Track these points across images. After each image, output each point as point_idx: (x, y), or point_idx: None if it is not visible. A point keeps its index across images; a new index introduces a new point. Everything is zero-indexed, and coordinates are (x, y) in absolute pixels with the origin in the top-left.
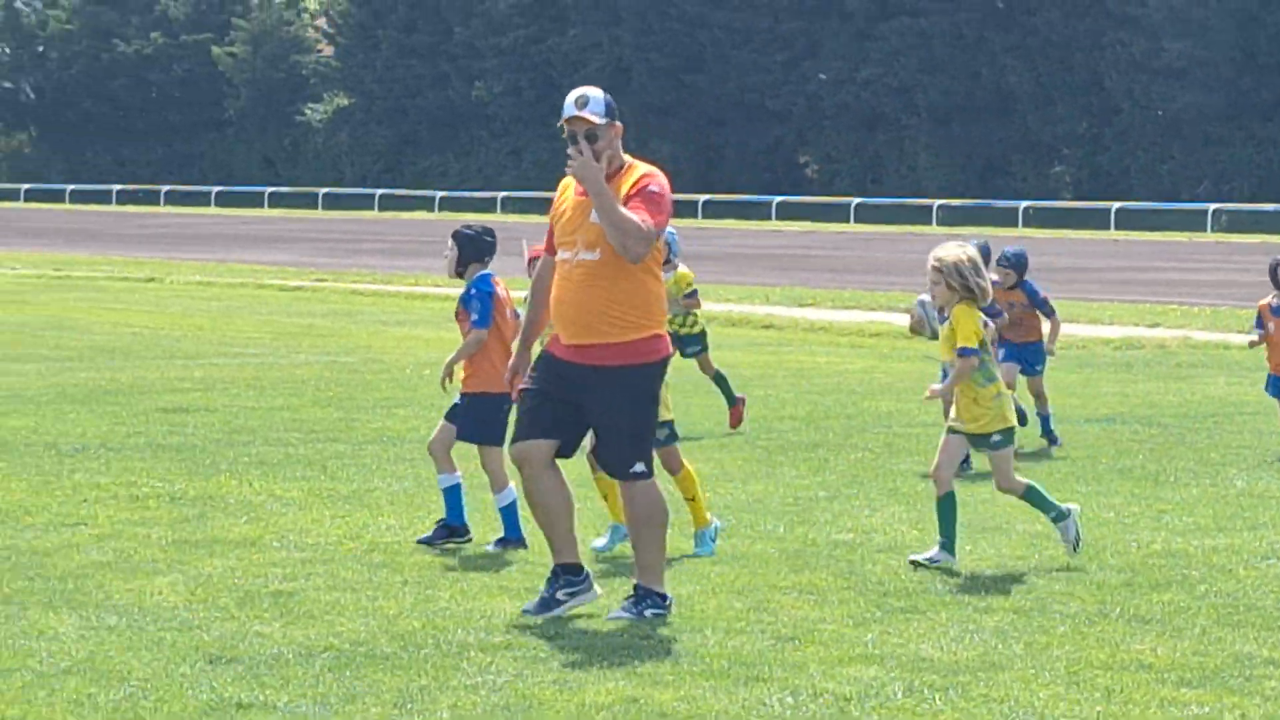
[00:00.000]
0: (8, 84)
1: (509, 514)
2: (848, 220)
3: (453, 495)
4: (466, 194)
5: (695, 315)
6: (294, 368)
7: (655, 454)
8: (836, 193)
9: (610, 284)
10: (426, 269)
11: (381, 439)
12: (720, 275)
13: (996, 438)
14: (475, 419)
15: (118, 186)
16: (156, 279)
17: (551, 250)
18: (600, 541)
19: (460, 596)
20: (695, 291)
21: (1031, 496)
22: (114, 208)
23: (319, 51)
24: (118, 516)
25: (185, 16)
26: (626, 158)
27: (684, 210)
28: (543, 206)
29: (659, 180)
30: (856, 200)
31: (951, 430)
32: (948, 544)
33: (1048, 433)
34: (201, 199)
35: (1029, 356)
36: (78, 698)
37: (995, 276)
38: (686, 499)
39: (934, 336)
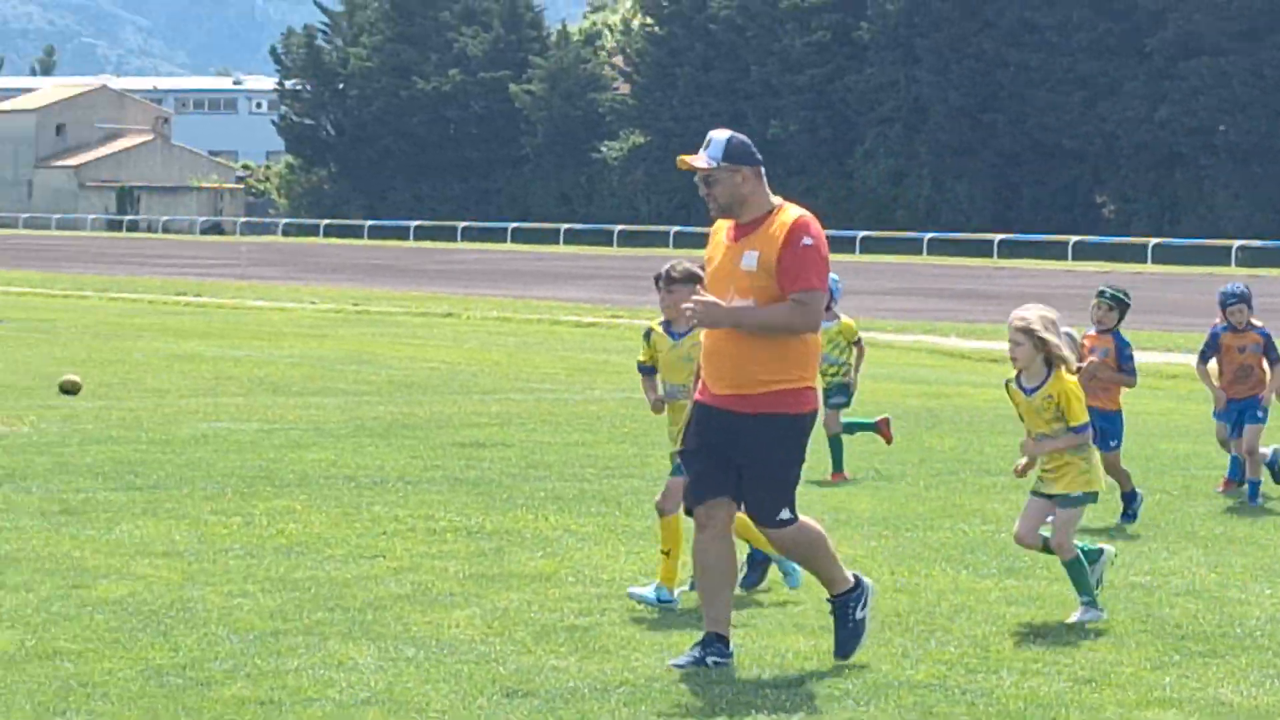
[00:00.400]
0: (309, 121)
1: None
2: (1145, 261)
3: None
4: None
5: (847, 365)
6: (589, 403)
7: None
8: (1133, 233)
9: (763, 335)
10: None
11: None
12: None
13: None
14: None
15: (416, 222)
16: (454, 314)
17: None
18: (641, 590)
19: (754, 633)
20: (860, 340)
21: (1074, 569)
22: (412, 243)
23: (616, 89)
24: (416, 549)
25: (483, 54)
26: (776, 200)
27: (979, 249)
28: (838, 245)
29: (811, 230)
30: (1154, 241)
31: (1035, 493)
32: (1090, 600)
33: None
34: (498, 235)
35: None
36: None
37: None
38: (662, 550)
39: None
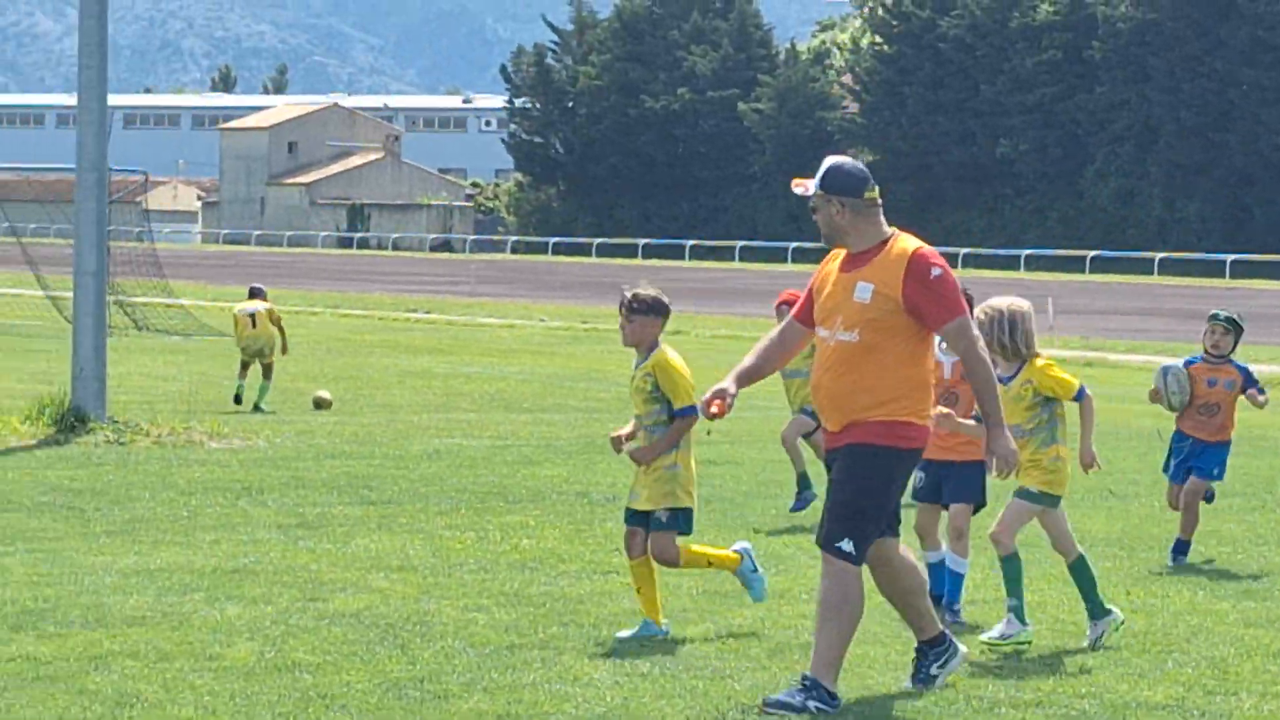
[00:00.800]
0: (538, 139)
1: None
2: None
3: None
4: (990, 251)
5: None
6: None
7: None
8: None
9: (867, 368)
10: None
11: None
12: (1251, 335)
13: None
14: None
15: (644, 240)
16: (682, 331)
17: (809, 321)
18: (625, 634)
19: (987, 649)
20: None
21: (1077, 576)
22: (640, 261)
23: (844, 108)
24: None
25: (712, 73)
26: (889, 230)
27: (1211, 270)
28: (1068, 265)
29: (935, 260)
30: None
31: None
32: (1017, 610)
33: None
34: (726, 253)
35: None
36: None
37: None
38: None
39: (1171, 408)
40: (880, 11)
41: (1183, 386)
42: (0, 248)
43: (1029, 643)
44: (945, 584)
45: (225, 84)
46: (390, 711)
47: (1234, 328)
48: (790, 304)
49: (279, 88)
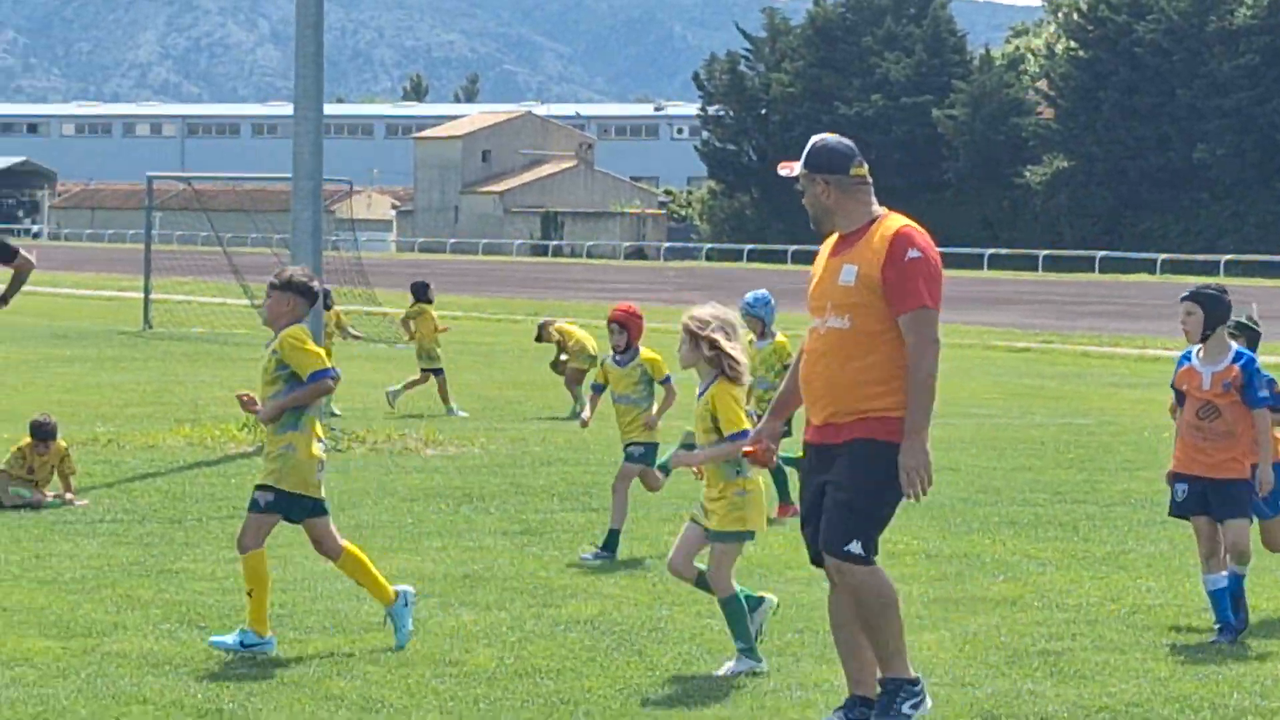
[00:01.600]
0: (731, 146)
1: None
2: None
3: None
4: (1188, 256)
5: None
6: (1029, 429)
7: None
8: None
9: (864, 355)
10: (1154, 331)
11: (1128, 501)
12: None
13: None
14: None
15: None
16: None
17: None
18: (222, 638)
19: (1232, 660)
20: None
21: (730, 610)
22: None
23: (1039, 114)
24: None
25: (906, 79)
26: (878, 210)
27: None
28: (1270, 270)
29: (916, 241)
30: None
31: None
32: (747, 649)
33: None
34: None
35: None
36: None
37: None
38: (246, 591)
39: None
40: (1075, 16)
41: None
42: (204, 257)
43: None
44: (1225, 605)
45: (417, 93)
46: (634, 717)
47: (1244, 332)
48: None
49: (470, 96)
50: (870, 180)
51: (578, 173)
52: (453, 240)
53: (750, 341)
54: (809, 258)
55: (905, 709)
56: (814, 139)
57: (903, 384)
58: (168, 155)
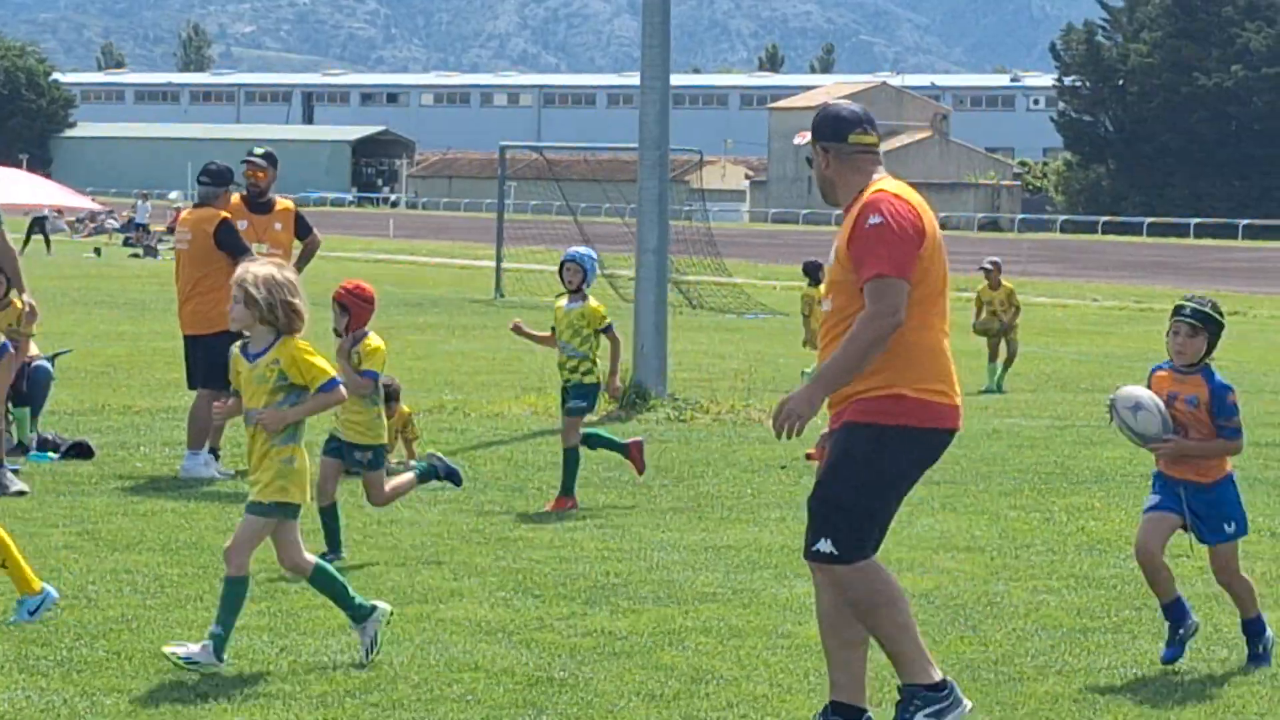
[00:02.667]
0: (1087, 117)
1: None
2: None
3: None
4: None
5: (592, 364)
6: None
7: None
8: None
9: (842, 336)
10: None
11: None
12: None
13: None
14: None
15: (1195, 220)
16: (1239, 313)
17: None
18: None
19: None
20: (611, 328)
21: (319, 580)
22: (1191, 241)
23: None
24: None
25: (1267, 49)
26: (877, 177)
27: None
28: None
29: (882, 206)
30: None
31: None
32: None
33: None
34: (1278, 233)
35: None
36: None
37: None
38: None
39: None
40: None
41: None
42: (556, 227)
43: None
44: None
45: (772, 63)
46: (966, 693)
47: (1206, 324)
48: None
49: (825, 66)
50: (876, 149)
51: (932, 143)
52: (805, 211)
53: (560, 304)
54: (1166, 230)
55: (919, 718)
56: (829, 107)
57: (897, 364)
58: (524, 125)
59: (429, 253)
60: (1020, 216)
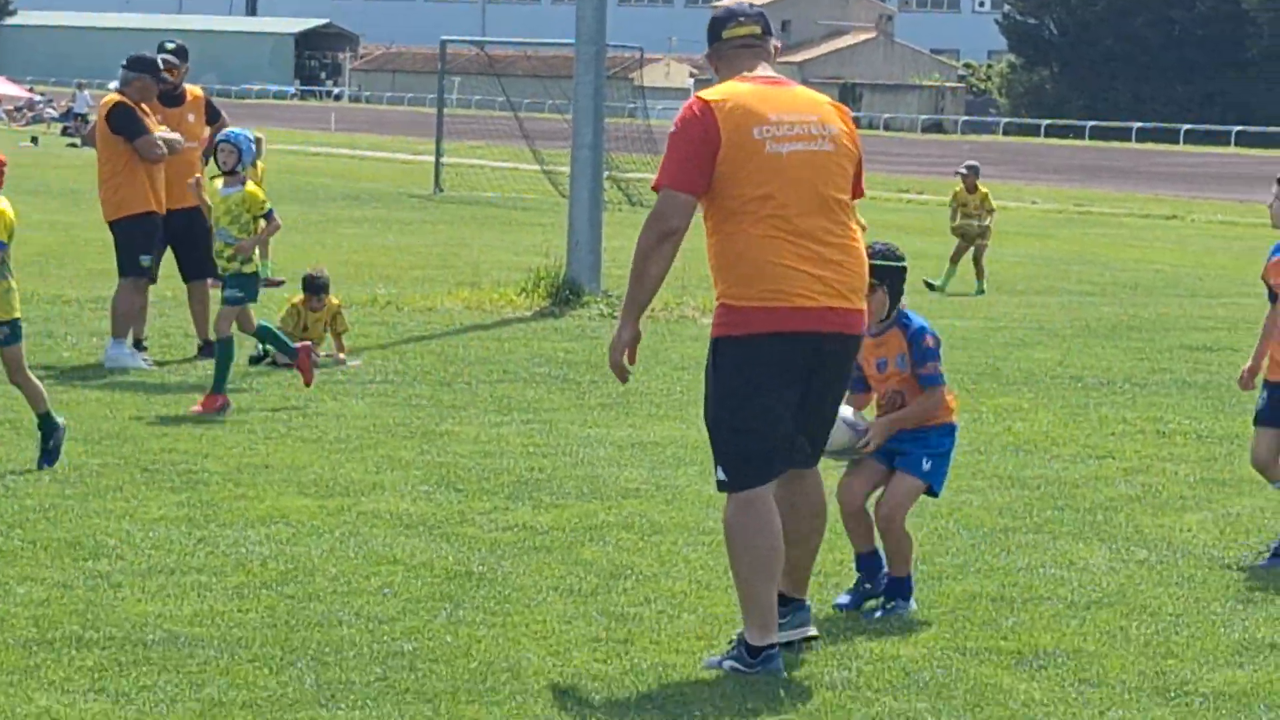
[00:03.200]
0: (1032, 20)
1: None
2: None
3: None
4: None
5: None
6: None
7: None
8: None
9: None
10: None
11: None
12: None
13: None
14: None
15: (1137, 124)
16: (1177, 216)
17: None
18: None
19: None
20: (273, 213)
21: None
22: (1133, 145)
23: None
24: (1144, 451)
25: None
26: (745, 76)
27: None
28: None
29: (684, 113)
30: None
31: None
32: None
33: None
34: (1221, 138)
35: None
36: (1109, 629)
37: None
38: None
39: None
40: None
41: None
42: (497, 123)
43: None
44: None
45: None
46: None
47: (886, 276)
48: None
49: None
50: (758, 41)
51: (877, 44)
52: None
53: (216, 186)
54: (1108, 134)
55: (726, 663)
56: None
57: (716, 274)
58: (469, 20)
59: (370, 146)
60: (964, 119)
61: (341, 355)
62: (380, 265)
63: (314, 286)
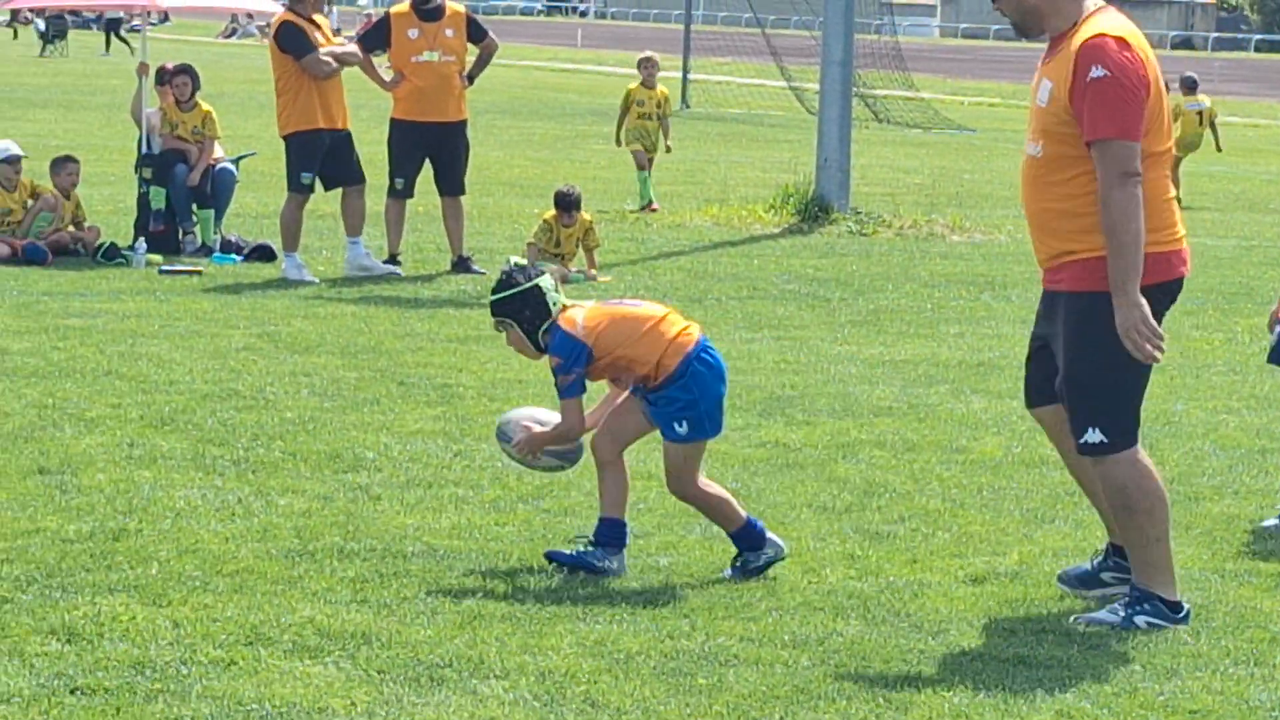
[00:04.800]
0: None
1: None
2: None
3: None
4: None
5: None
6: None
7: None
8: None
9: (1056, 186)
10: None
11: None
12: None
13: None
14: None
15: None
16: None
17: None
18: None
19: None
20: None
21: None
22: None
23: None
24: None
25: None
26: (1092, 4)
27: None
28: None
29: (1104, 56)
30: None
31: None
32: None
33: None
34: None
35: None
36: None
37: None
38: None
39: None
40: None
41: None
42: (744, 39)
43: None
44: None
45: None
46: None
47: (503, 294)
48: None
49: None
50: None
51: None
52: (996, 26)
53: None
54: None
55: (1140, 621)
56: None
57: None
58: None
59: (615, 63)
60: (1214, 35)
61: (593, 271)
62: (627, 181)
63: (565, 203)
